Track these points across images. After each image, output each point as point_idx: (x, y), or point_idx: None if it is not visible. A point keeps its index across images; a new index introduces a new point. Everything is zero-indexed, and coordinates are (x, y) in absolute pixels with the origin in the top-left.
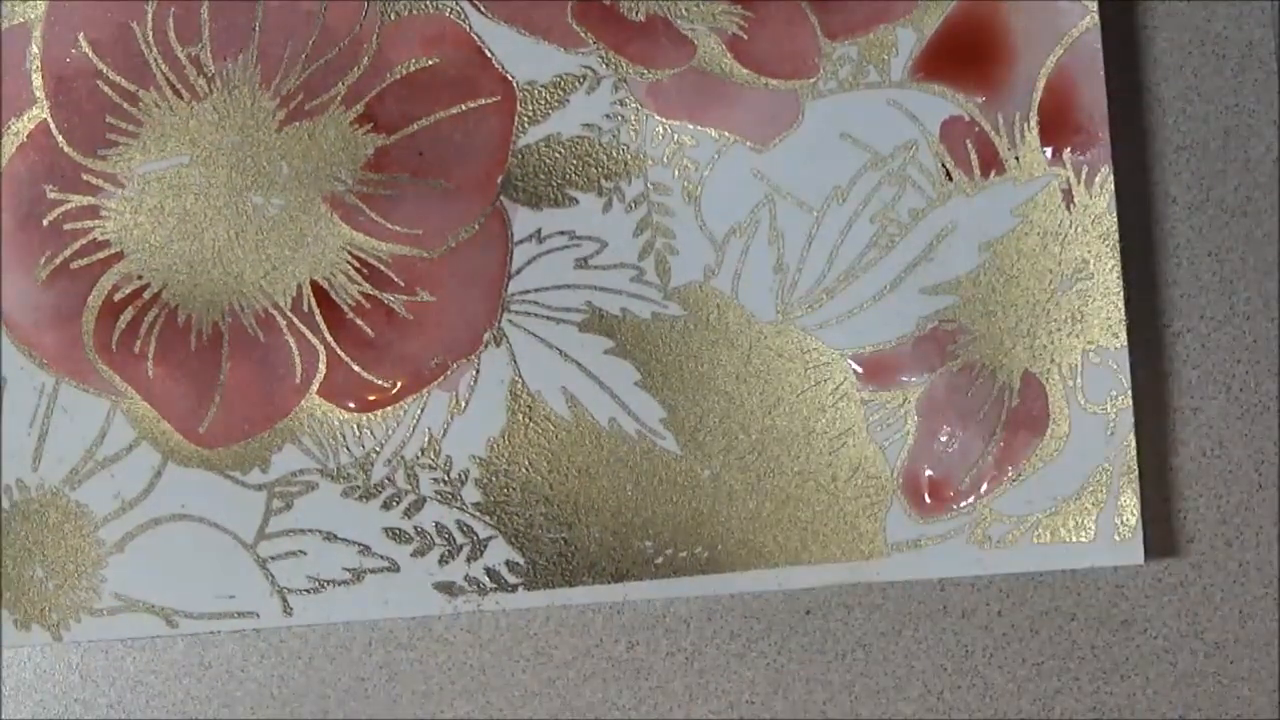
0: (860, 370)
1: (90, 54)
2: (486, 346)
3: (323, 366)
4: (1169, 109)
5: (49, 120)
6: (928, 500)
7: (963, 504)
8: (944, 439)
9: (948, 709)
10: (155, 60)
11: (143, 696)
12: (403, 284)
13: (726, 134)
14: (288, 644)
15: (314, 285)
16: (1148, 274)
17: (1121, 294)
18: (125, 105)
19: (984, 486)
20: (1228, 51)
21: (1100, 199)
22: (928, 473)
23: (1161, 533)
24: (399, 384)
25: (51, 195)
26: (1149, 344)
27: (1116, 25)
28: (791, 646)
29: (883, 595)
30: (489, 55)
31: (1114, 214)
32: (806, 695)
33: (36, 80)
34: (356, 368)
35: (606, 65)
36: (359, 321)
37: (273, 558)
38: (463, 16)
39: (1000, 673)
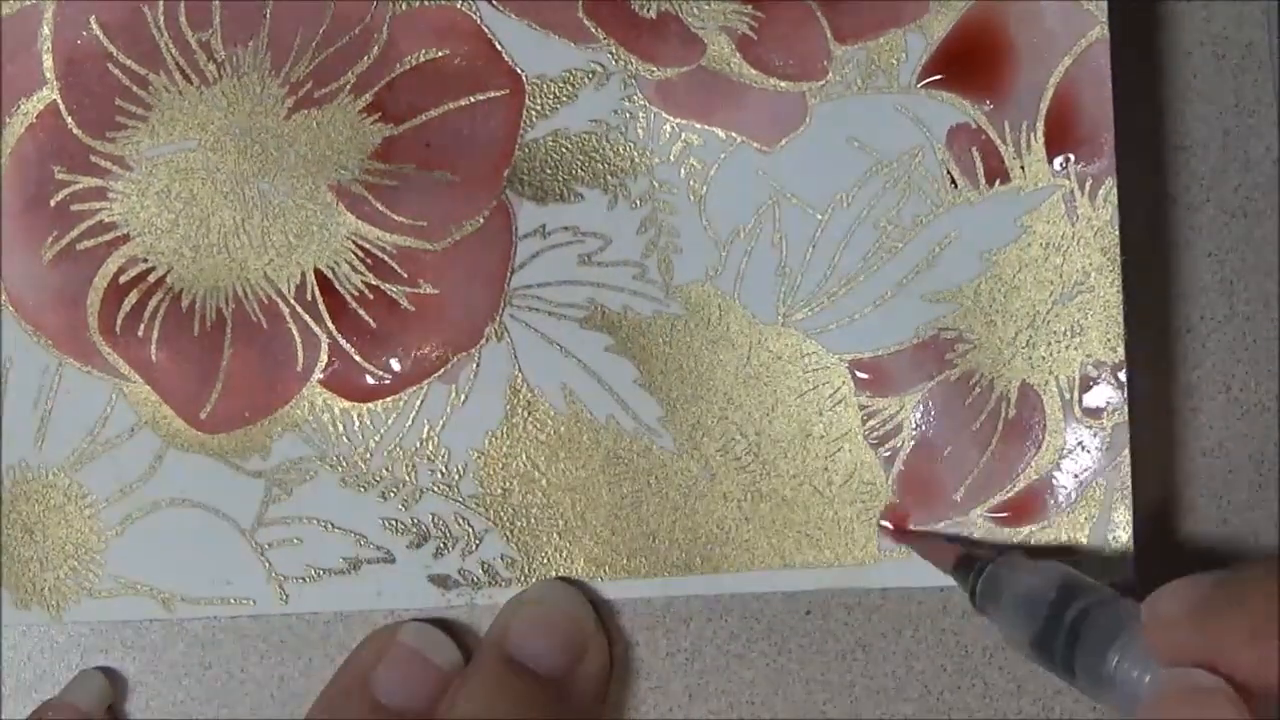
0: (859, 375)
1: (101, 37)
2: (487, 340)
3: (324, 355)
4: (1169, 109)
5: (59, 101)
6: (921, 509)
7: (956, 514)
8: (940, 448)
9: (948, 709)
10: (166, 45)
11: (143, 697)
12: (406, 275)
13: (733, 134)
14: (288, 644)
15: (318, 274)
16: (1146, 274)
17: (1121, 308)
18: (135, 89)
19: (978, 497)
20: (1228, 51)
21: (1103, 211)
22: (922, 481)
23: (1160, 534)
24: (400, 375)
25: (60, 176)
26: (1148, 344)
27: (1116, 25)
28: (791, 646)
29: (883, 596)
30: (499, 48)
31: (1116, 227)
32: (806, 695)
33: (47, 61)
34: (358, 358)
35: (616, 61)
36: (361, 312)
37: (270, 545)
38: (474, 8)
39: (1000, 673)
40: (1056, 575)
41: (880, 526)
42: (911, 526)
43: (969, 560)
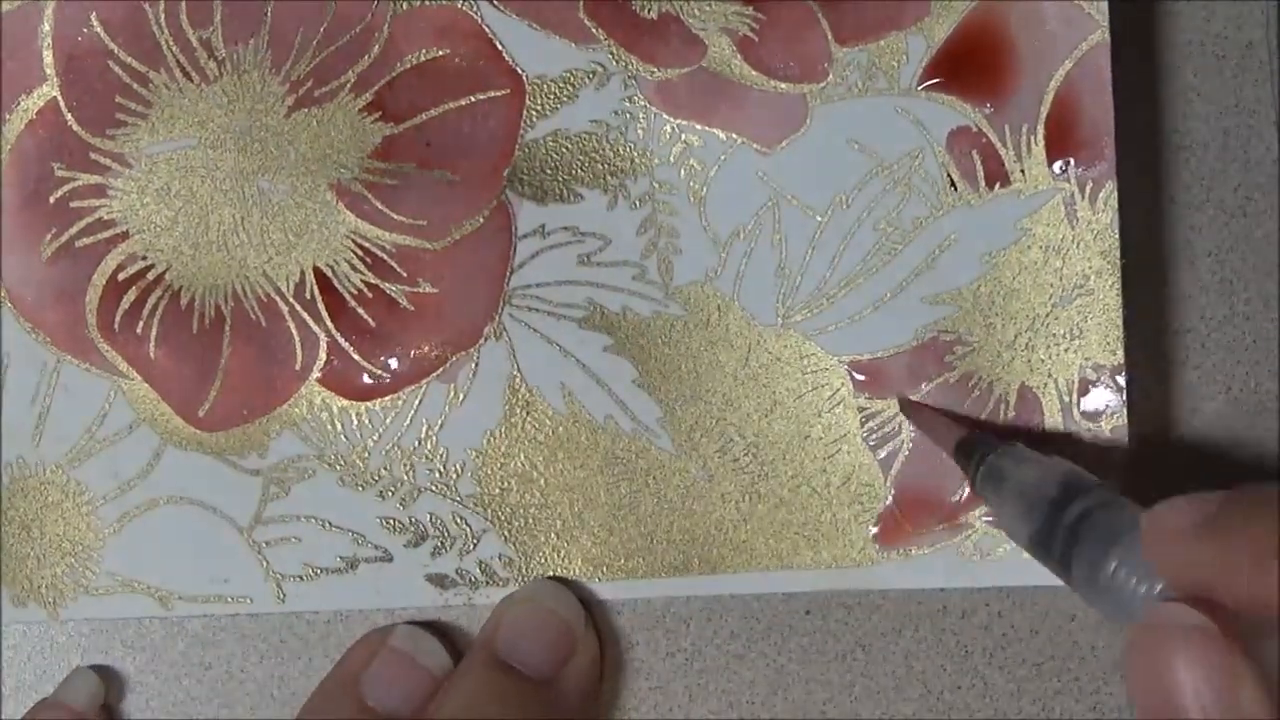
0: (858, 377)
1: (102, 34)
2: (486, 340)
3: (323, 354)
4: (1169, 109)
5: (59, 98)
6: (919, 510)
7: (954, 516)
8: (938, 450)
9: (948, 709)
10: (166, 42)
11: (142, 697)
12: (405, 274)
13: (734, 135)
14: (288, 644)
15: (317, 272)
16: (1146, 275)
17: (1120, 312)
18: (135, 86)
19: (976, 499)
20: (1228, 51)
21: (1103, 214)
22: (920, 483)
23: None
24: (398, 374)
25: (59, 173)
26: (1148, 345)
27: (1116, 26)
28: (791, 646)
29: (883, 596)
30: (500, 48)
31: (1116, 231)
32: (806, 695)
33: (47, 58)
34: (357, 356)
35: (616, 61)
36: (360, 310)
37: (268, 543)
38: (474, 8)
39: (1000, 673)
40: (1059, 472)
41: (872, 533)
42: (910, 527)
43: (971, 444)
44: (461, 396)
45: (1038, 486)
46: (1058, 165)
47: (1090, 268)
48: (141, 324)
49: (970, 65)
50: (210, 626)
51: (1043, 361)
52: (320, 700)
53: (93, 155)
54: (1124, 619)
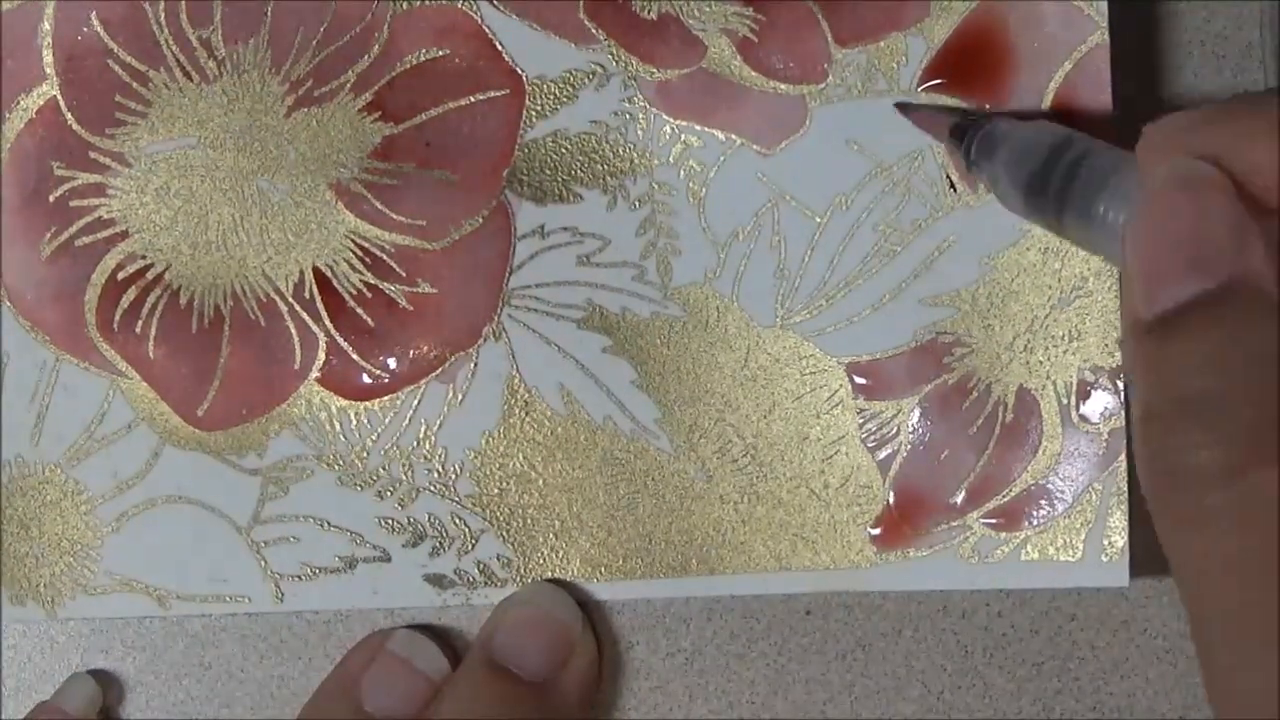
0: (856, 378)
1: (101, 33)
2: (485, 340)
3: (322, 354)
4: (1169, 109)
5: (58, 97)
6: (918, 512)
7: (952, 518)
8: (937, 451)
9: (948, 709)
10: (166, 41)
11: (142, 696)
12: (404, 274)
13: (733, 136)
14: (288, 644)
15: (316, 272)
16: None
17: (1119, 313)
18: (135, 85)
19: (974, 501)
20: (1228, 51)
21: None
22: (919, 484)
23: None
24: (397, 374)
25: (59, 172)
26: None
27: (1116, 26)
28: (791, 646)
29: (883, 596)
30: (499, 48)
31: None
32: (806, 695)
33: (47, 57)
34: (356, 356)
35: (616, 62)
36: (360, 310)
37: (266, 543)
38: (474, 8)
39: (1000, 673)
40: (1060, 128)
41: (871, 535)
42: (908, 529)
43: (964, 126)
44: (460, 397)
45: (1035, 137)
46: None
47: (1089, 269)
48: (141, 323)
49: (970, 66)
50: (210, 626)
51: (1041, 363)
52: (318, 704)
53: (92, 154)
54: (1118, 251)
